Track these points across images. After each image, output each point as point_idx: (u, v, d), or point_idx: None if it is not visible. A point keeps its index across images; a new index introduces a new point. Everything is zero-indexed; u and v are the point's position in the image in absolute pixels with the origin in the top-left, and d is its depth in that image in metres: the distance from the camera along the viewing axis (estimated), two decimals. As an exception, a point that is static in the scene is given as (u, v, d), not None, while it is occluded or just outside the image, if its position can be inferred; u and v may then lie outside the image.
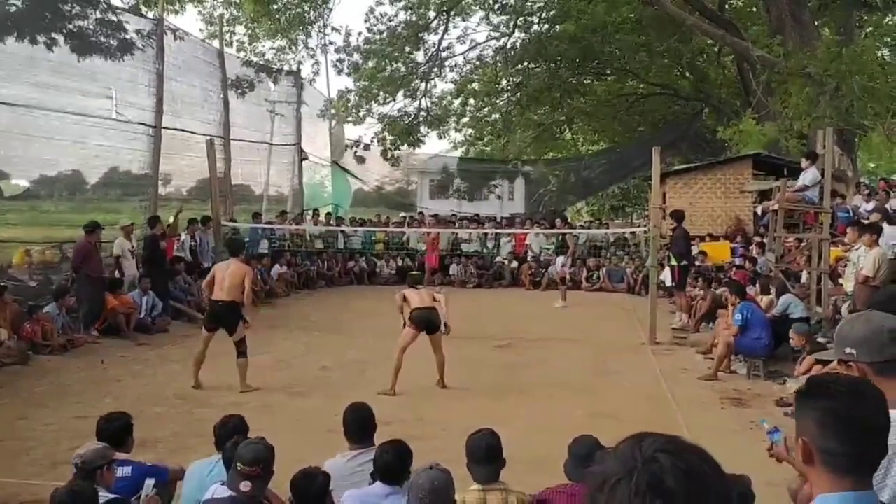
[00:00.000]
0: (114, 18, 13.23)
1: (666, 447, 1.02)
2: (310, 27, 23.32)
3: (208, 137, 12.85)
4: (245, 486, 3.16)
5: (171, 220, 12.71)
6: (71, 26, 12.40)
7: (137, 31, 13.49)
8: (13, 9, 11.50)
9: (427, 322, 7.45)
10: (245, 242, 8.64)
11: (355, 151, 23.17)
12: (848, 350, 2.02)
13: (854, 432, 1.50)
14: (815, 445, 1.54)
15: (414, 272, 10.21)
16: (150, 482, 3.80)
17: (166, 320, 11.09)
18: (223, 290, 7.50)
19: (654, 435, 1.06)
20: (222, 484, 3.33)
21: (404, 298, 7.68)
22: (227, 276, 7.52)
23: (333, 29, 24.20)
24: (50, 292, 10.15)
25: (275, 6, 21.58)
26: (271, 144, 18.90)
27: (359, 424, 3.96)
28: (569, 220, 21.61)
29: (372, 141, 23.77)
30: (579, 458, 3.33)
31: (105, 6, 13.30)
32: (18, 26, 11.28)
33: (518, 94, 25.14)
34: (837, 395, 1.54)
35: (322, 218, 18.62)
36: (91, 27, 12.80)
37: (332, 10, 23.70)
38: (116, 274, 11.02)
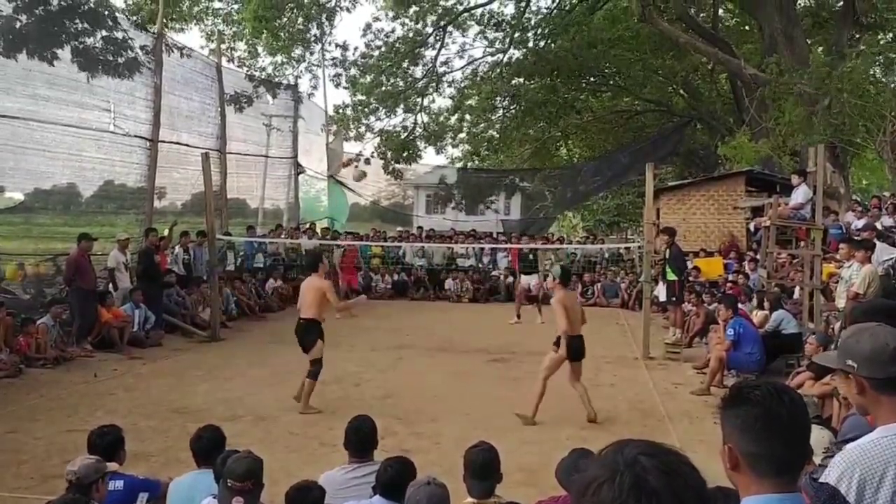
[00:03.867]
0: (119, 36, 13.32)
1: (647, 450, 1.07)
2: (312, 45, 23.49)
3: (204, 151, 12.89)
4: (237, 501, 3.14)
5: (166, 232, 12.70)
6: (76, 43, 12.48)
7: (142, 48, 13.61)
8: (19, 24, 11.56)
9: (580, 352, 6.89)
10: (321, 254, 8.71)
11: (356, 166, 23.24)
12: (849, 362, 2.04)
13: (773, 434, 1.54)
14: (738, 451, 1.58)
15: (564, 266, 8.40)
16: (143, 496, 3.79)
17: (160, 334, 11.06)
18: (303, 307, 7.46)
19: (636, 441, 1.11)
20: (214, 497, 3.32)
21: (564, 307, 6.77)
22: (305, 292, 7.47)
23: (338, 45, 24.35)
24: (43, 305, 10.12)
25: (277, 23, 21.70)
26: (267, 158, 18.94)
27: (359, 438, 3.95)
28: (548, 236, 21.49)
29: (372, 155, 23.89)
30: (571, 467, 3.33)
31: (110, 23, 13.40)
32: (25, 43, 11.36)
33: (514, 109, 25.30)
34: (756, 399, 1.58)
35: (318, 232, 18.64)
36: (98, 45, 12.89)
37: (335, 27, 23.86)
38: (110, 287, 10.99)
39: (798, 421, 1.58)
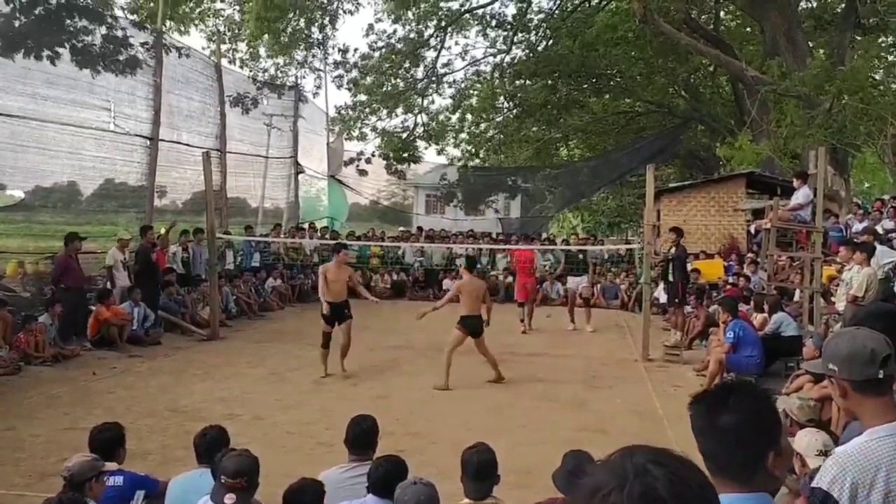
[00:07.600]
0: (118, 34, 13.34)
1: (656, 458, 1.06)
2: (315, 48, 23.49)
3: (204, 150, 12.89)
4: (229, 498, 3.15)
5: (163, 231, 12.70)
6: (75, 41, 12.49)
7: (143, 44, 13.62)
8: (18, 24, 11.57)
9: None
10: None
11: (357, 165, 23.23)
12: (831, 366, 2.05)
13: (713, 434, 1.58)
14: (700, 449, 1.62)
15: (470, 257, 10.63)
16: (140, 494, 3.80)
17: (159, 332, 11.06)
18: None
19: (644, 447, 1.09)
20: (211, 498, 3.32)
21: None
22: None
23: (340, 50, 24.33)
24: (42, 303, 10.13)
25: (279, 25, 21.68)
26: (267, 157, 18.94)
27: (358, 436, 3.95)
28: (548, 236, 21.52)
29: (374, 154, 23.90)
30: (570, 471, 3.33)
31: (110, 21, 13.43)
32: (24, 42, 11.37)
33: (515, 109, 25.31)
34: (701, 399, 1.63)
35: (319, 231, 18.65)
36: (97, 44, 12.90)
37: (337, 29, 23.83)
38: (108, 285, 11.00)
39: (741, 420, 1.57)
